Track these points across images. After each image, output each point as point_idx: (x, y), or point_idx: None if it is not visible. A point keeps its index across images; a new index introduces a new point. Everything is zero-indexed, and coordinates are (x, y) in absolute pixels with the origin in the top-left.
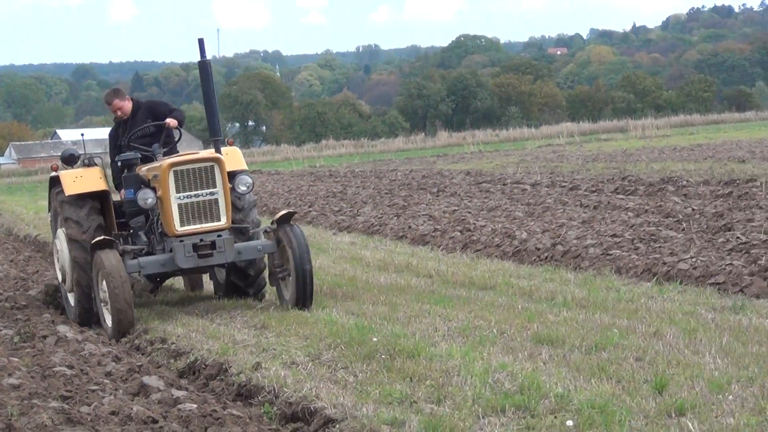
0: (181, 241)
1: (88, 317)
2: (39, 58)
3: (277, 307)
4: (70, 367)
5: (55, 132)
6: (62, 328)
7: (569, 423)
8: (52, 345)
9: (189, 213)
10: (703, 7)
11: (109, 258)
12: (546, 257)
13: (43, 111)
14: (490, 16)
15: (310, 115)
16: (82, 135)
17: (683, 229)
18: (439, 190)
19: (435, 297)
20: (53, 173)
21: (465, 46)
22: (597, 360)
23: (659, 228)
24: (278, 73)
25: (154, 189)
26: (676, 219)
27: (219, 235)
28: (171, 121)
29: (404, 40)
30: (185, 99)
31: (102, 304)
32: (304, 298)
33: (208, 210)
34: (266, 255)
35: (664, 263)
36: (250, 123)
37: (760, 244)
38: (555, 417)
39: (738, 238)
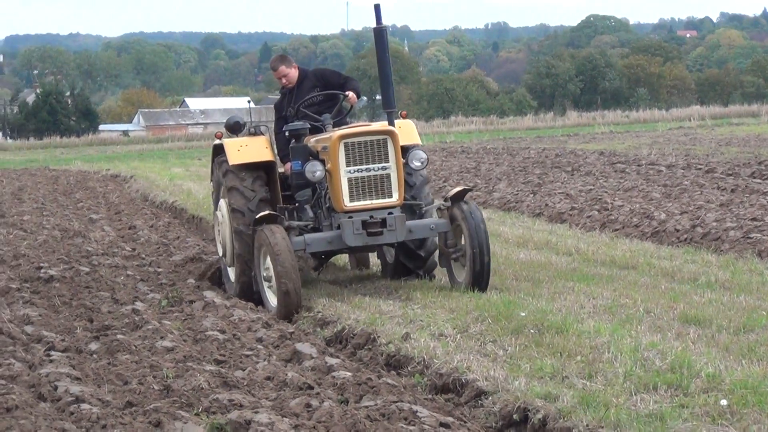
0: (350, 217)
1: (249, 294)
2: (168, 26)
3: (421, 280)
4: (222, 332)
5: (184, 100)
6: (209, 294)
7: (723, 402)
8: (200, 310)
9: (359, 188)
10: None
11: (275, 234)
12: (685, 239)
13: (172, 79)
14: None
15: (437, 91)
16: (249, 102)
17: None
18: (574, 169)
19: (577, 275)
20: (217, 141)
21: (594, 26)
22: (746, 341)
23: None
24: (406, 48)
25: (323, 161)
26: None
27: (390, 213)
28: (352, 96)
29: (533, 18)
30: None
31: (264, 283)
32: (480, 280)
33: (380, 185)
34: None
35: None
36: (378, 97)
37: None
38: (708, 396)
39: None
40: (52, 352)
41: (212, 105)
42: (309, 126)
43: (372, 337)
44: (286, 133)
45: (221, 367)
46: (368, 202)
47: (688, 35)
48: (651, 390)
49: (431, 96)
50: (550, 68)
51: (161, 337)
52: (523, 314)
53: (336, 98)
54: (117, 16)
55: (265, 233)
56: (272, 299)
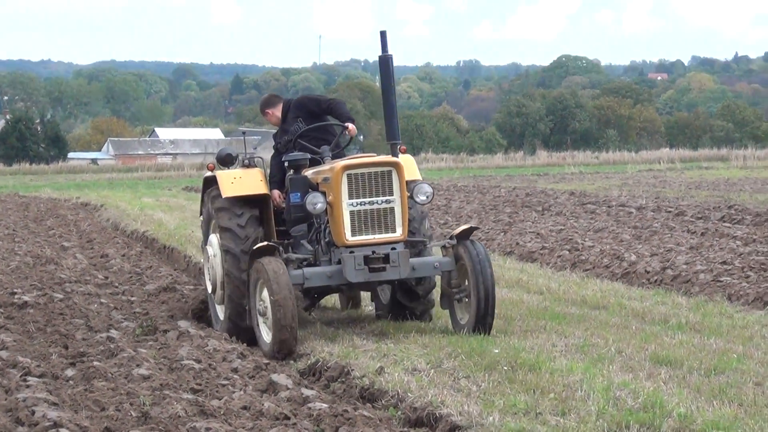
0: (351, 252)
1: (239, 332)
2: (140, 56)
3: (395, 315)
4: (198, 361)
5: (154, 130)
6: (183, 323)
7: None
8: (175, 339)
9: (362, 222)
10: None
11: (273, 266)
12: (656, 280)
13: (142, 108)
14: (592, 38)
15: (408, 127)
16: (243, 133)
17: None
18: (544, 209)
19: (549, 313)
20: (209, 173)
21: (566, 67)
22: (717, 383)
23: None
24: (378, 83)
25: (323, 193)
26: None
27: (393, 248)
28: (352, 128)
29: (505, 57)
30: None
31: (260, 318)
32: (484, 323)
33: (383, 219)
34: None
35: None
36: None
37: None
38: None
39: None
40: (29, 378)
41: (182, 135)
42: (309, 157)
43: (346, 370)
44: (285, 164)
45: (198, 396)
46: (371, 236)
47: (659, 78)
48: (623, 428)
49: (402, 132)
50: (520, 107)
51: (137, 365)
52: (497, 351)
53: (327, 129)
54: (89, 44)
55: (263, 265)
56: (266, 335)
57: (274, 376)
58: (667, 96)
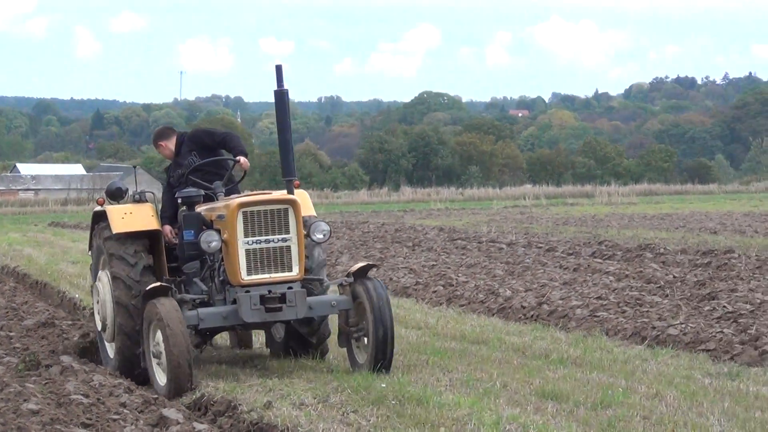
0: (247, 291)
1: (130, 370)
2: (0, 91)
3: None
4: (86, 396)
5: (15, 165)
6: (66, 358)
7: None
8: (59, 374)
9: (258, 260)
10: (666, 77)
11: (167, 307)
12: (532, 316)
13: (2, 144)
14: (454, 75)
15: (270, 163)
16: (135, 167)
17: (667, 296)
18: (415, 245)
19: (429, 348)
20: (98, 208)
21: (427, 103)
22: (604, 417)
23: (642, 293)
24: (239, 119)
25: (218, 231)
26: (658, 285)
27: (290, 287)
28: (245, 162)
29: (367, 93)
30: (145, 140)
31: (153, 359)
32: (383, 361)
33: (279, 258)
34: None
35: (654, 328)
36: None
37: (748, 313)
38: None
39: (724, 306)
40: None
41: (43, 171)
42: (203, 194)
43: (233, 404)
44: (179, 200)
45: (89, 431)
46: (267, 275)
47: (520, 114)
48: None
49: (264, 168)
50: (383, 143)
51: (25, 400)
52: (383, 385)
53: (221, 163)
54: None
55: (156, 306)
56: (161, 377)
57: (165, 411)
58: (529, 132)
